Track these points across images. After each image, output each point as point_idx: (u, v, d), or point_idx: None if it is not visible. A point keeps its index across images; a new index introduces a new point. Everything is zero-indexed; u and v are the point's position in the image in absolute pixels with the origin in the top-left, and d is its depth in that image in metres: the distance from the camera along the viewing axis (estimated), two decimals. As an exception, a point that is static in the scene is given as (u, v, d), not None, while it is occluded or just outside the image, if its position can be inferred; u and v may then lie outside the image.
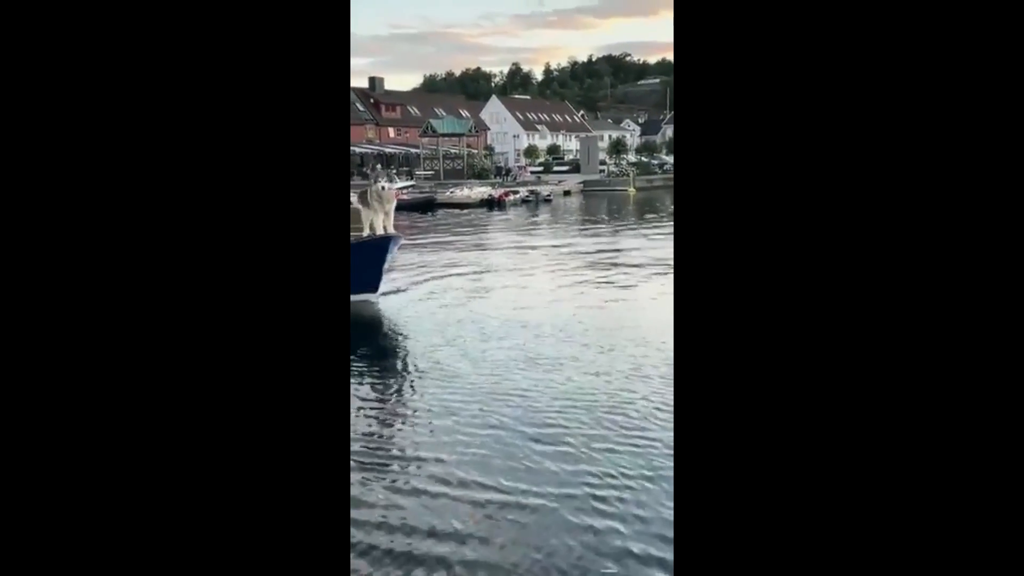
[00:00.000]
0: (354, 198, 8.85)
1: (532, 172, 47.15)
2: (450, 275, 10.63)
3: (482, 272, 11.02)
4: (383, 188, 8.65)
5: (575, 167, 48.68)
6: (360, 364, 6.11)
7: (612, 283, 9.69)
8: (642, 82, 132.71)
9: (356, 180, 39.89)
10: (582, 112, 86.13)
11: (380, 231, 8.58)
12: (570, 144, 67.40)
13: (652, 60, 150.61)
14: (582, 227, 19.59)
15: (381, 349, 6.84)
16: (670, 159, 55.05)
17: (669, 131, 74.82)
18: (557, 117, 75.70)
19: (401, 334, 7.30)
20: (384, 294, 8.60)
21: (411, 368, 6.13)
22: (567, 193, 35.36)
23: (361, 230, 8.64)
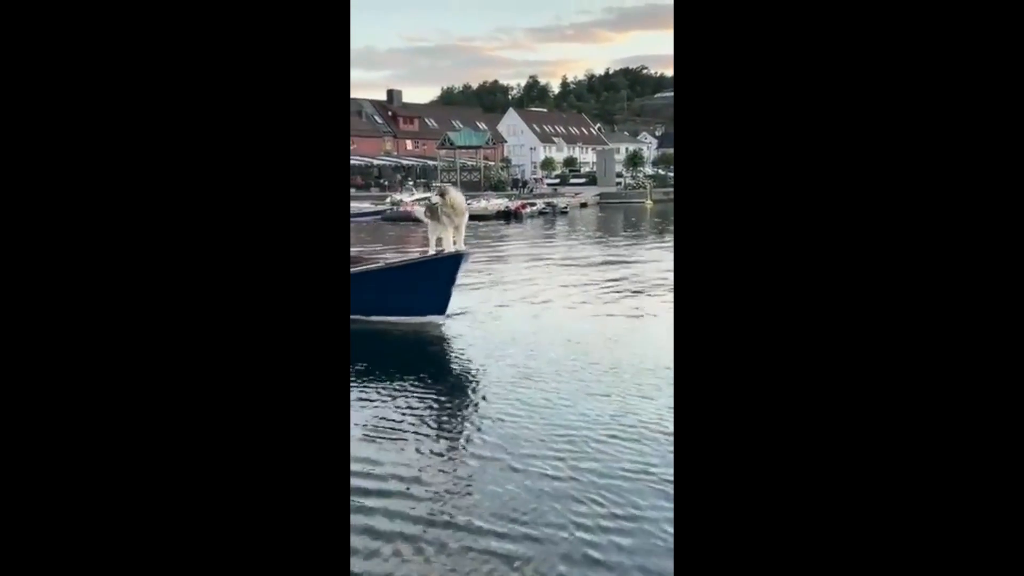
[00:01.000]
0: (420, 211, 8.02)
1: (549, 184, 47.27)
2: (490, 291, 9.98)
3: (516, 289, 10.26)
4: (453, 199, 7.54)
5: (592, 179, 48.72)
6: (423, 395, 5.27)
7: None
8: (659, 95, 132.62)
9: (374, 192, 40.19)
10: (599, 125, 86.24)
11: (450, 247, 7.55)
12: (587, 156, 67.45)
13: (669, 73, 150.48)
14: (600, 240, 19.63)
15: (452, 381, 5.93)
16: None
17: (686, 144, 74.35)
18: (574, 130, 75.83)
19: (473, 364, 6.26)
20: (450, 316, 7.68)
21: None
22: (584, 205, 35.41)
23: (435, 245, 7.77)
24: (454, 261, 7.49)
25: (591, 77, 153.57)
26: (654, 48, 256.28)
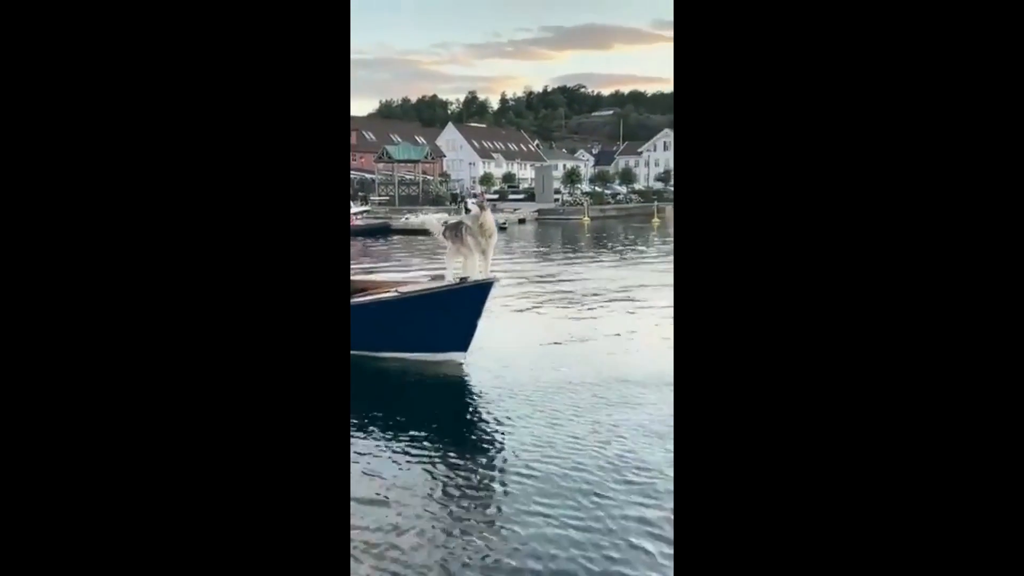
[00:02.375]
0: (437, 228, 6.89)
1: (488, 200, 47.42)
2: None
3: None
4: (485, 219, 6.40)
5: (530, 195, 49.10)
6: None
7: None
8: (596, 113, 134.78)
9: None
10: (537, 141, 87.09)
11: (476, 275, 6.44)
12: (525, 173, 67.99)
13: (606, 92, 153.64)
14: (545, 256, 19.76)
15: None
16: (623, 189, 56.08)
17: (622, 162, 76.18)
18: (512, 146, 76.35)
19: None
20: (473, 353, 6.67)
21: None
22: (522, 221, 35.65)
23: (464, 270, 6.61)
24: (482, 291, 6.44)
25: (530, 94, 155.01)
26: (591, 67, 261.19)
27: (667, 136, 77.80)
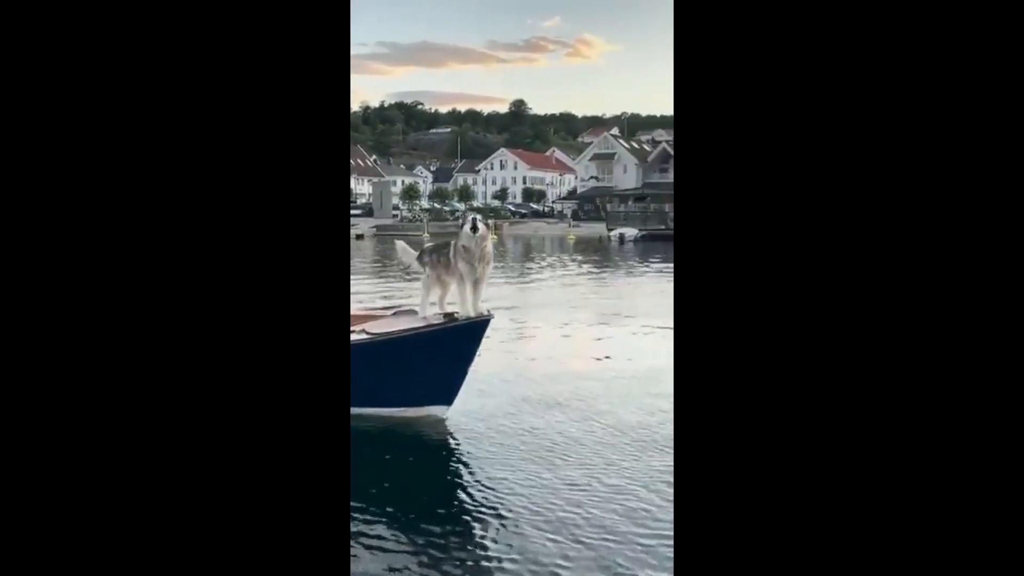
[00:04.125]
0: (410, 253, 5.66)
1: (324, 215, 46.26)
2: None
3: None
4: (486, 243, 5.00)
5: (368, 211, 48.52)
6: None
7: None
8: (434, 130, 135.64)
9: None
10: (375, 157, 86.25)
11: (469, 312, 4.99)
12: (363, 188, 67.03)
13: (443, 109, 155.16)
14: (385, 274, 19.47)
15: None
16: (462, 206, 56.91)
17: (460, 179, 77.11)
18: (350, 160, 75.02)
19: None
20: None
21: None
22: (360, 237, 35.12)
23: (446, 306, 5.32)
24: (478, 330, 5.08)
25: (366, 109, 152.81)
26: (428, 85, 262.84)
27: (503, 155, 79.79)
